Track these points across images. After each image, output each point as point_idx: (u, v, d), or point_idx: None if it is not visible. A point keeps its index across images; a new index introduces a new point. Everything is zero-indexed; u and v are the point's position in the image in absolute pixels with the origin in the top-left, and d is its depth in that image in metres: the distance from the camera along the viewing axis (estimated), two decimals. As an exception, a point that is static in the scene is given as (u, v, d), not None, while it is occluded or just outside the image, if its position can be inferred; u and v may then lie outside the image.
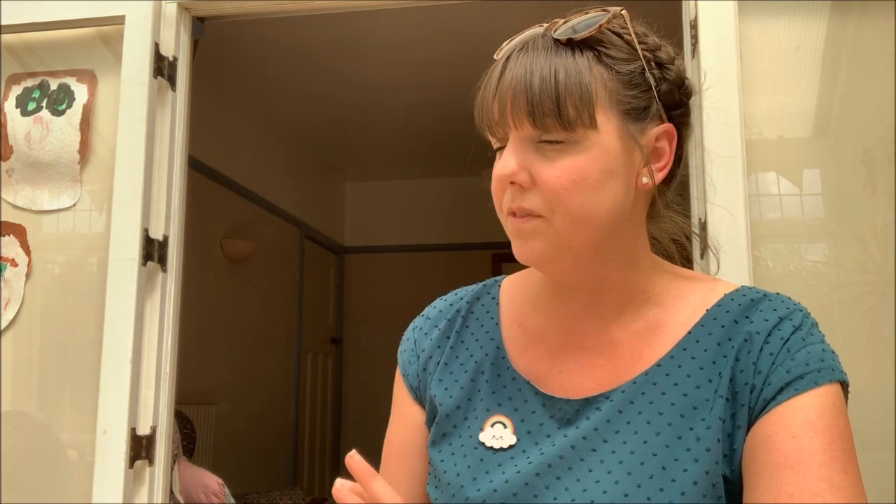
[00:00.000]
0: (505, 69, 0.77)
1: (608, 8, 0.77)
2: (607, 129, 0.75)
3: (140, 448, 1.69)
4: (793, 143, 1.61)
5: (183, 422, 2.66)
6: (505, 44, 0.81)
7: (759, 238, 1.54)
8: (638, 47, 0.77)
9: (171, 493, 2.01)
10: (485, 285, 0.94)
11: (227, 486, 2.43)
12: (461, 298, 0.93)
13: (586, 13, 0.76)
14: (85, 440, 1.74)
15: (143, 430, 1.71)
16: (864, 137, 1.56)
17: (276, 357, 4.80)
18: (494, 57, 0.81)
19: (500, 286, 0.93)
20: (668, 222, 0.87)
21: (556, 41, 0.76)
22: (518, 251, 0.78)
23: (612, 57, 0.76)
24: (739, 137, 1.51)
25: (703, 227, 1.53)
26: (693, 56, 1.60)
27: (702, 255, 1.55)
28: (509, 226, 0.78)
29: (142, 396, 1.72)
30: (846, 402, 0.73)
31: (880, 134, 1.54)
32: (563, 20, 0.77)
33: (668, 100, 0.79)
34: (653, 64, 0.78)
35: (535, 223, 0.75)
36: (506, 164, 0.75)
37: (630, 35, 0.77)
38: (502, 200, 0.78)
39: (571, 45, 0.76)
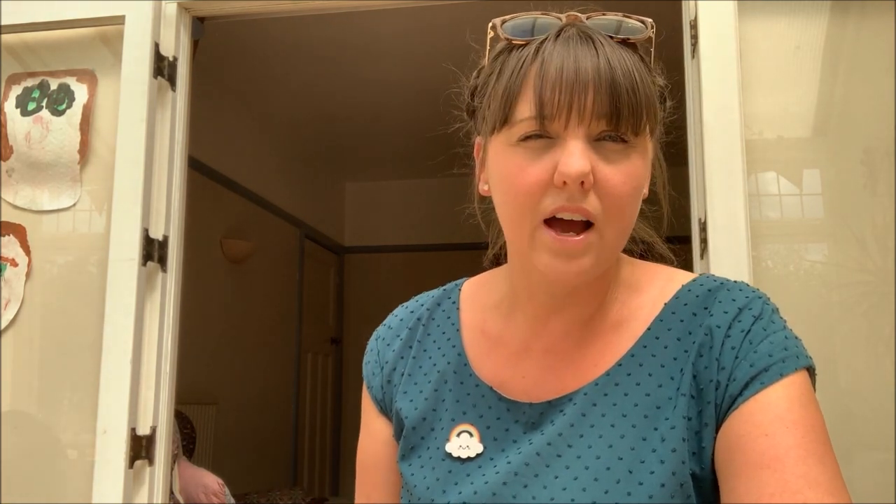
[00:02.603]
0: (554, 56, 0.70)
1: (639, 17, 0.74)
2: (651, 138, 0.75)
3: (140, 448, 1.69)
4: (793, 143, 1.61)
5: (183, 422, 2.66)
6: (505, 21, 0.74)
7: (758, 238, 1.54)
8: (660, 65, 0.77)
9: (171, 493, 2.01)
10: (445, 290, 0.92)
11: (227, 486, 2.43)
12: (422, 305, 0.91)
13: (604, 14, 0.73)
14: (85, 440, 1.74)
15: (143, 430, 1.71)
16: (864, 137, 1.56)
17: (276, 357, 4.80)
18: (499, 31, 0.74)
19: (460, 290, 0.91)
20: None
21: (610, 37, 0.72)
22: (561, 270, 0.71)
23: (650, 68, 0.75)
24: (739, 137, 1.51)
25: (703, 227, 1.53)
26: (693, 56, 1.60)
27: (702, 255, 1.55)
28: (545, 239, 0.71)
29: (142, 396, 1.72)
30: (814, 387, 0.72)
31: (880, 134, 1.54)
32: (586, 15, 0.73)
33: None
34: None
35: (587, 238, 0.70)
36: (579, 161, 0.68)
37: (653, 52, 0.76)
38: (538, 203, 0.71)
39: (626, 45, 0.72)
